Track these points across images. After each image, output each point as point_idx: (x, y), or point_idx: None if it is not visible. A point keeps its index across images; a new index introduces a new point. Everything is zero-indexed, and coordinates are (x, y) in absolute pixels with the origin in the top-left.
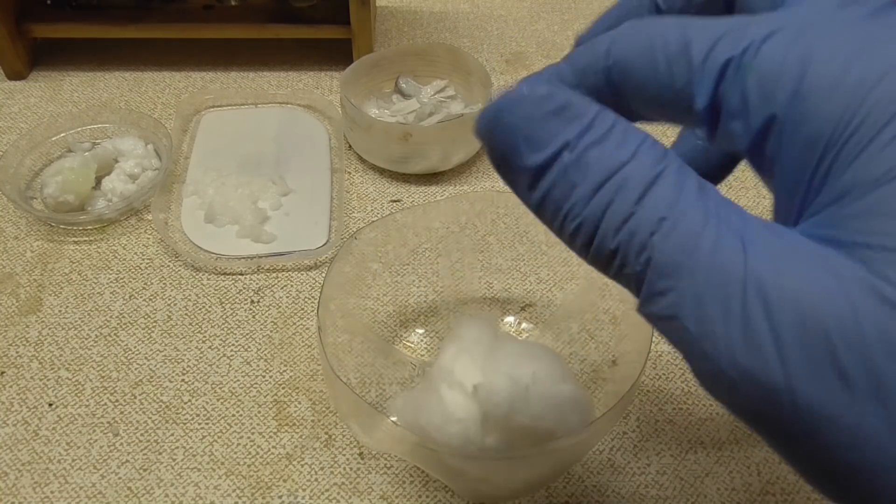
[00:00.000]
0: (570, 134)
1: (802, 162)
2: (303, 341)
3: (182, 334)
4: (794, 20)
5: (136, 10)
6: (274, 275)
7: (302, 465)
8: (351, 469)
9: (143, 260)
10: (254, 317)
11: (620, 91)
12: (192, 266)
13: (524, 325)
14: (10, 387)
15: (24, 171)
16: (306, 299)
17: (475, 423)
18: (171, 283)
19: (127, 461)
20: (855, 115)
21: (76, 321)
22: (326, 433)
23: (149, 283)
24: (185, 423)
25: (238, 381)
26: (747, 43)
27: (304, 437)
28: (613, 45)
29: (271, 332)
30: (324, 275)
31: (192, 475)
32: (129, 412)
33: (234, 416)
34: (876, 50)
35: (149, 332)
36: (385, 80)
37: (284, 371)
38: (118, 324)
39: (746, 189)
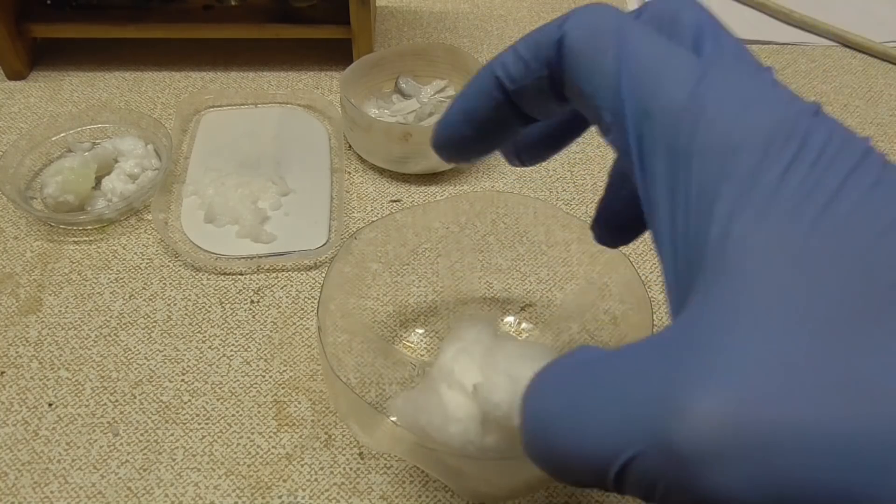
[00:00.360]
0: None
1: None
2: (303, 341)
3: (182, 334)
4: (698, 69)
5: (136, 10)
6: (274, 275)
7: (302, 465)
8: (351, 469)
9: (143, 260)
10: (254, 317)
11: (561, 68)
12: (192, 266)
13: (524, 325)
14: (10, 387)
15: (24, 171)
16: (306, 299)
17: (475, 423)
18: (171, 283)
19: (127, 461)
20: (720, 182)
21: (76, 321)
22: (326, 433)
23: (149, 283)
24: (185, 423)
25: (238, 381)
26: (650, 89)
27: (304, 437)
28: (566, 21)
29: (271, 332)
30: (324, 275)
31: (192, 475)
32: (129, 412)
33: (234, 416)
34: (752, 112)
35: (149, 332)
36: (385, 80)
37: (284, 371)
38: (118, 324)
39: None
